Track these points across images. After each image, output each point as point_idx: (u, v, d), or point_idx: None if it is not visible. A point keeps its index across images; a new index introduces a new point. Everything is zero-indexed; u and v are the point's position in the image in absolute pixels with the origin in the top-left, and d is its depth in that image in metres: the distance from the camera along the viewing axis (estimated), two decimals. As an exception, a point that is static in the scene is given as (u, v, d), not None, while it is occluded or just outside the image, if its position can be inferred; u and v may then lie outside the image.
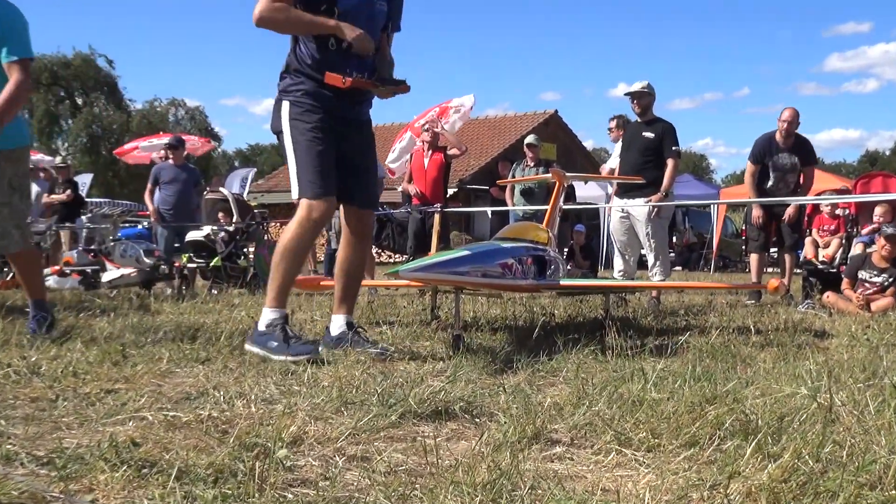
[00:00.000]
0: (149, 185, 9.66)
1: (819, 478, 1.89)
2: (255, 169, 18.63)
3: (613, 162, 9.35)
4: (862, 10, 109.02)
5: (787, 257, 8.29)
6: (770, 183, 8.02)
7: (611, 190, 8.89)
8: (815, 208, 11.22)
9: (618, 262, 7.81)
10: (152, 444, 2.16)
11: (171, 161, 9.75)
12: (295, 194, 3.89)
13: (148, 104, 50.57)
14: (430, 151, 9.21)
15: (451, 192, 14.40)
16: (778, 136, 8.04)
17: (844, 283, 7.11)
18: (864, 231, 9.34)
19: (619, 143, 8.31)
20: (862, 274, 7.07)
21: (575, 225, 13.52)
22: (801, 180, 8.08)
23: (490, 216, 14.93)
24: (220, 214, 10.08)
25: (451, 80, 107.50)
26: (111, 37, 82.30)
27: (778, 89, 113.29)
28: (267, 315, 3.83)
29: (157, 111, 50.16)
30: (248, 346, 3.80)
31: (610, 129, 9.30)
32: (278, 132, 3.97)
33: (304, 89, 3.89)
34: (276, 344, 3.68)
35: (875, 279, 6.96)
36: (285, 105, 3.91)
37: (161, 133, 22.82)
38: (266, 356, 3.64)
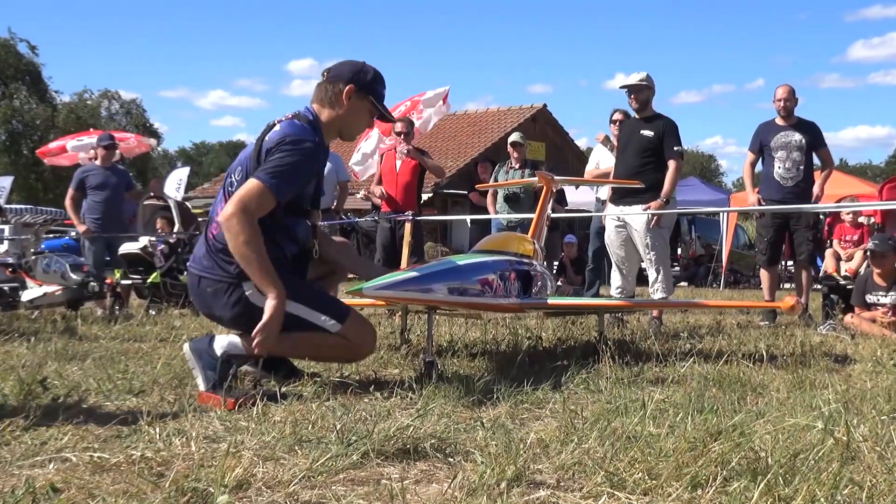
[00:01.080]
0: (70, 191, 9.51)
1: (835, 523, 1.91)
2: (189, 168, 18.50)
3: (602, 160, 9.36)
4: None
5: (802, 272, 8.34)
6: (776, 166, 8.07)
7: (603, 196, 8.89)
8: (836, 216, 11.32)
9: (615, 278, 7.79)
10: (76, 489, 2.15)
11: (97, 162, 9.65)
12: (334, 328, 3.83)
13: (77, 96, 50.37)
14: (404, 153, 9.22)
15: (425, 197, 14.44)
16: (778, 119, 8.17)
17: (857, 311, 7.20)
18: (892, 242, 9.43)
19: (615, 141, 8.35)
20: (869, 298, 7.16)
21: (565, 235, 13.61)
22: (820, 170, 8.16)
23: (469, 225, 14.95)
24: (159, 223, 10.00)
25: (425, 69, 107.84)
26: (34, 19, 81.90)
27: (796, 81, 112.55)
28: (233, 344, 3.75)
29: (88, 104, 49.91)
30: (187, 348, 3.78)
31: (615, 122, 9.10)
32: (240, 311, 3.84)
33: None
34: (212, 375, 3.64)
35: (885, 300, 7.06)
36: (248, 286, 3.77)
37: (92, 130, 22.69)
38: (195, 375, 3.67)
